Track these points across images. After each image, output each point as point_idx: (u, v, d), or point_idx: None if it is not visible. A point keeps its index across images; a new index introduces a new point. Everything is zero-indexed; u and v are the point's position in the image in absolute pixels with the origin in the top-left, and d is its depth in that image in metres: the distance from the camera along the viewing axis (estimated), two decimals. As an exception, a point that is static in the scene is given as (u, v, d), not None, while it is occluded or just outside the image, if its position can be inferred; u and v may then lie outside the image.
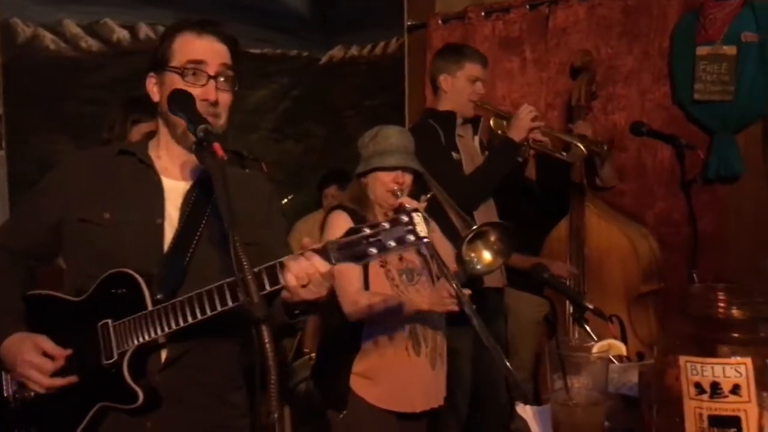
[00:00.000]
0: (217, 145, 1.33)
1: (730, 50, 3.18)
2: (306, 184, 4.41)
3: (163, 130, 1.65)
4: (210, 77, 1.56)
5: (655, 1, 3.44)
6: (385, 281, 2.26)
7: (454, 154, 2.92)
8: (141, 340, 1.48)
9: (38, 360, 1.52)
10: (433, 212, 2.36)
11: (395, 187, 2.27)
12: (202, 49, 1.58)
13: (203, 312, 1.42)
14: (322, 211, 4.08)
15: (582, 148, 2.94)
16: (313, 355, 3.31)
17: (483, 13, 3.93)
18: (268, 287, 1.39)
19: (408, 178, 2.30)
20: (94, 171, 1.64)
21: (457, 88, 2.99)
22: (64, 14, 3.25)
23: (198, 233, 1.57)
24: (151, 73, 1.63)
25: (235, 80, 1.62)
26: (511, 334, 3.25)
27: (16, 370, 1.54)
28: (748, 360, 1.00)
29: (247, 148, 3.62)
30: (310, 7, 4.65)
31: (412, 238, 1.33)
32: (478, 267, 2.20)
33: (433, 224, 2.34)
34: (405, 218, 1.33)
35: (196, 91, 1.54)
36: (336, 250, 1.37)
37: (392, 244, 1.33)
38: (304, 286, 1.38)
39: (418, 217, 1.34)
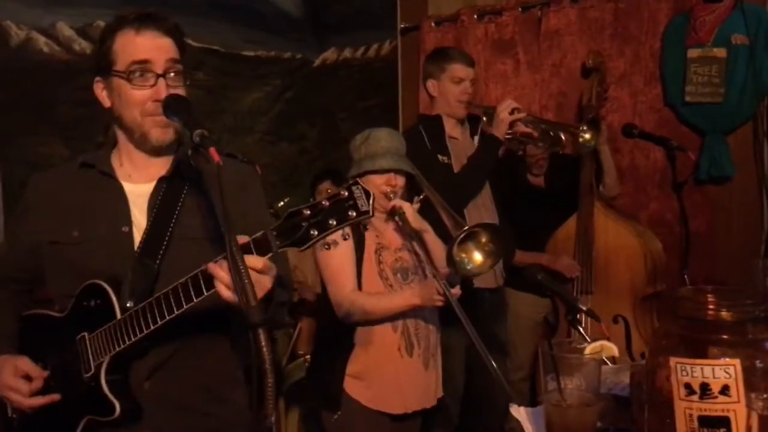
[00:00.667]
0: (213, 150, 1.30)
1: (720, 52, 3.20)
2: (300, 185, 4.42)
3: (121, 136, 1.60)
4: (158, 76, 1.49)
5: (646, 3, 3.46)
6: (378, 281, 2.28)
7: (440, 157, 2.94)
8: (114, 349, 1.45)
9: (15, 383, 1.53)
10: (426, 213, 2.38)
11: (388, 189, 2.29)
12: (144, 46, 1.50)
13: (170, 311, 1.38)
14: None
15: (561, 135, 2.95)
16: (308, 357, 3.33)
17: (475, 16, 3.94)
18: (194, 298, 1.35)
19: (400, 180, 2.31)
20: (57, 190, 1.62)
21: (444, 91, 3.02)
22: (57, 17, 3.25)
23: (168, 234, 1.54)
24: (98, 78, 1.56)
25: (186, 74, 1.55)
26: (511, 334, 3.27)
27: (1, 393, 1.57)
28: (737, 361, 1.02)
29: (241, 150, 3.63)
30: (304, 10, 4.66)
31: (353, 213, 1.27)
32: (469, 267, 2.20)
33: (427, 225, 2.35)
34: (345, 193, 1.27)
35: (145, 93, 1.49)
36: (276, 236, 1.29)
37: (333, 222, 1.26)
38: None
39: (358, 191, 1.27)
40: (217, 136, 3.97)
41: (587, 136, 2.94)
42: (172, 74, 1.51)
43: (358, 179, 1.33)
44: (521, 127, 2.90)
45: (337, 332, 2.28)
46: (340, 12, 4.67)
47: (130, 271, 1.50)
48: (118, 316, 1.46)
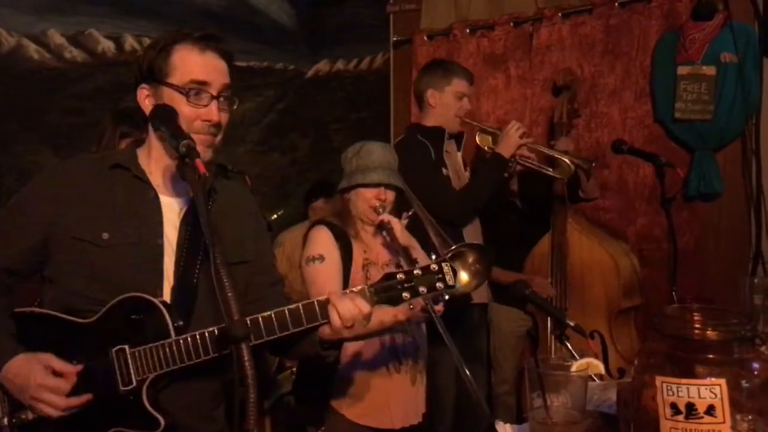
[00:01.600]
0: (199, 161, 1.31)
1: (710, 70, 3.22)
2: (291, 196, 4.43)
3: (156, 144, 1.58)
4: (213, 97, 1.53)
5: (637, 20, 3.49)
6: (366, 299, 2.26)
7: (443, 170, 2.93)
8: (163, 368, 1.44)
9: (52, 382, 1.44)
10: (414, 230, 2.37)
11: (377, 204, 2.27)
12: (204, 67, 1.53)
13: (259, 337, 1.44)
14: (307, 223, 4.09)
15: (569, 163, 2.97)
16: (295, 369, 3.30)
17: (468, 30, 3.95)
18: (305, 323, 1.47)
19: (390, 195, 2.30)
20: (85, 184, 1.55)
21: (445, 104, 3.01)
22: (48, 24, 3.24)
23: (200, 254, 1.54)
24: (144, 85, 1.55)
25: (234, 100, 1.60)
26: (494, 348, 3.27)
27: (27, 394, 1.45)
28: (723, 381, 1.02)
29: (232, 160, 3.62)
30: (297, 21, 4.68)
31: (441, 285, 1.51)
32: (456, 286, 2.19)
33: (414, 242, 2.34)
34: (435, 267, 1.52)
35: (197, 111, 1.52)
36: (374, 293, 1.50)
37: (423, 290, 1.51)
38: (348, 327, 1.48)
39: (446, 267, 1.54)
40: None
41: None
42: (222, 98, 1.56)
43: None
44: (524, 151, 2.91)
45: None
46: (334, 24, 4.69)
47: (174, 290, 1.51)
48: (173, 335, 1.45)
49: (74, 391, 1.46)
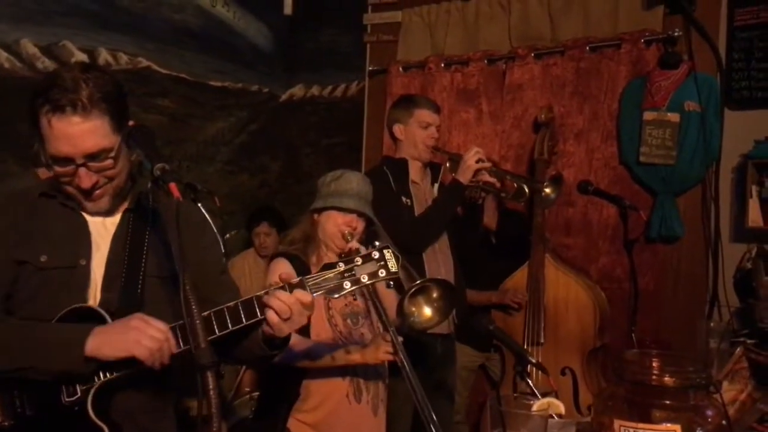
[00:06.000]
0: (173, 185, 1.32)
1: (674, 117, 3.33)
2: (258, 218, 4.39)
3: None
4: (78, 166, 1.46)
5: (606, 65, 3.59)
6: (327, 326, 2.25)
7: (404, 199, 2.97)
8: (108, 375, 1.42)
9: None
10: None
11: (347, 230, 2.28)
12: (60, 142, 1.42)
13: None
14: (251, 251, 4.07)
15: (525, 188, 3.02)
16: (255, 394, 3.26)
17: (443, 64, 4.03)
18: (244, 320, 1.42)
19: (361, 225, 2.31)
20: (20, 211, 1.56)
21: (410, 135, 3.07)
22: (22, 34, 3.20)
23: (143, 265, 1.55)
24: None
25: (117, 148, 1.48)
26: None
27: None
28: (678, 427, 1.04)
29: (201, 179, 3.60)
30: (274, 45, 4.71)
31: (383, 273, 1.45)
32: (418, 321, 2.20)
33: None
34: (377, 254, 1.46)
35: (71, 180, 1.48)
36: (311, 284, 1.45)
37: (365, 278, 1.45)
38: (286, 320, 1.42)
39: (389, 254, 1.47)
40: (177, 164, 3.94)
41: (548, 190, 3.02)
42: (94, 161, 1.47)
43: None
44: (485, 176, 2.95)
45: (284, 375, 2.24)
46: (311, 50, 4.73)
47: (119, 300, 1.50)
48: None
49: (12, 413, 1.44)
